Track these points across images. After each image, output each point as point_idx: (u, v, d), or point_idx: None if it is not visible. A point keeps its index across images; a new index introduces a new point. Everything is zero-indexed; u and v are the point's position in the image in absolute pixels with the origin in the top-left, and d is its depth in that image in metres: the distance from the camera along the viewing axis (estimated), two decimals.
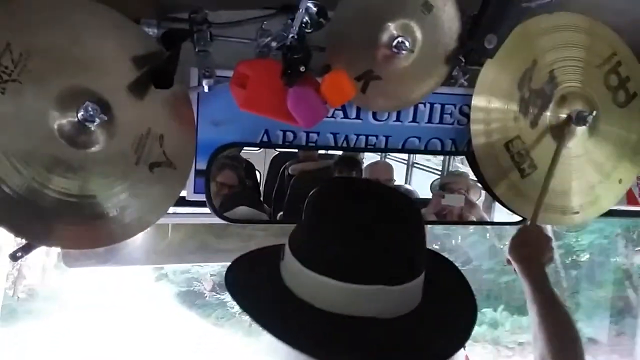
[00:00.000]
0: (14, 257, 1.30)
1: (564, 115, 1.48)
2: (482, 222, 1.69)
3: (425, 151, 1.50)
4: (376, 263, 0.80)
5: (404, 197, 0.91)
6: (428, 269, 0.87)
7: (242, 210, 1.53)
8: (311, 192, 0.92)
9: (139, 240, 1.77)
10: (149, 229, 1.32)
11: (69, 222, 1.19)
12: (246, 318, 0.82)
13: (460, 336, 0.85)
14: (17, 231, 1.17)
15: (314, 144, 1.44)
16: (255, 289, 0.88)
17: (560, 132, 1.47)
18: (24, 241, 1.29)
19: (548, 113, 1.48)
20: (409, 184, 2.16)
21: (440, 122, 1.47)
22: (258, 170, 2.39)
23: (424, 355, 0.81)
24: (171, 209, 1.43)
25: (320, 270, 0.80)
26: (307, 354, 0.78)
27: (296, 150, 2.16)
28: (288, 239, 0.88)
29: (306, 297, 0.82)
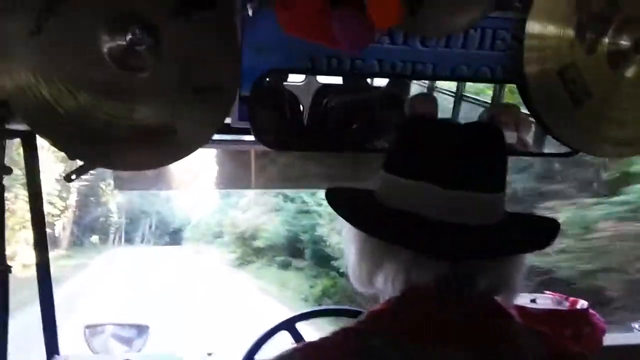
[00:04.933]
0: (68, 178, 1.36)
1: (623, 42, 1.40)
2: (531, 154, 1.65)
3: (474, 79, 1.45)
4: (468, 171, 0.86)
5: (491, 125, 1.00)
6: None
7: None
8: (402, 124, 0.99)
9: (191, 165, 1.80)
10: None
11: (119, 144, 1.23)
12: None
13: (534, 244, 0.90)
14: (70, 152, 1.22)
15: (359, 71, 1.41)
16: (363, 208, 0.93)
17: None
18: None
19: (606, 39, 1.40)
20: (457, 117, 2.11)
21: (492, 48, 1.41)
22: (301, 104, 2.38)
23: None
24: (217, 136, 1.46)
25: (417, 177, 0.86)
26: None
27: (340, 83, 2.15)
28: (382, 166, 0.93)
29: (405, 206, 0.87)
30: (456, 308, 0.84)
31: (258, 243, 12.21)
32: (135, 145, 1.25)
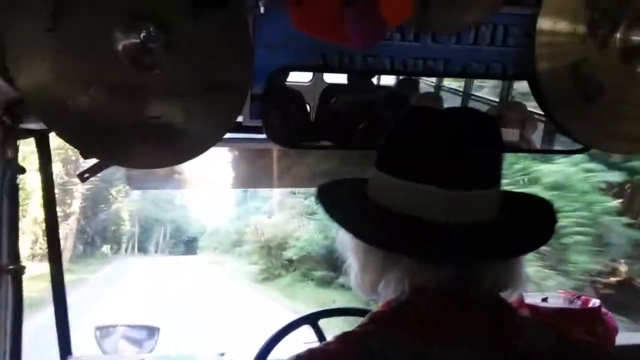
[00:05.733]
0: (81, 177, 1.37)
1: (635, 38, 1.39)
2: (541, 151, 1.65)
3: (486, 75, 1.45)
4: (466, 169, 0.84)
5: (484, 114, 0.97)
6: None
7: None
8: (396, 120, 0.95)
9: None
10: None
11: (132, 142, 1.23)
12: None
13: (538, 240, 0.90)
14: (84, 149, 1.23)
15: (370, 68, 1.41)
16: (353, 210, 0.92)
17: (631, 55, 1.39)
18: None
19: (618, 35, 1.39)
20: None
21: (503, 44, 1.41)
22: (308, 103, 2.39)
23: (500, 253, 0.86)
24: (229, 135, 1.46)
25: (418, 179, 0.85)
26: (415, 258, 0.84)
27: (345, 82, 2.15)
28: (375, 164, 0.92)
29: (405, 210, 0.86)
30: (459, 306, 0.84)
31: (288, 254, 9.84)
32: (148, 143, 1.25)
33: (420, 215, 0.84)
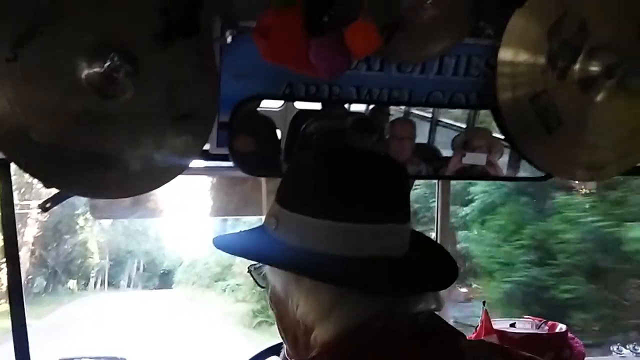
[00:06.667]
0: (43, 207, 1.34)
1: (594, 68, 1.44)
2: (505, 178, 1.67)
3: (449, 105, 1.48)
4: (384, 204, 0.85)
5: (389, 157, 0.97)
6: None
7: None
8: (304, 163, 0.92)
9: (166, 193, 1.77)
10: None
11: (96, 172, 1.21)
12: None
13: (453, 269, 0.92)
14: (46, 179, 1.20)
15: (336, 97, 1.42)
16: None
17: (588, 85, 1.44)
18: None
19: (577, 66, 1.44)
20: (432, 142, 2.13)
21: (466, 74, 1.44)
22: (279, 129, 2.38)
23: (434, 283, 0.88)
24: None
25: (338, 218, 0.83)
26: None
27: (318, 109, 2.17)
28: (280, 207, 0.88)
29: (323, 249, 0.84)
30: (407, 336, 0.83)
31: None
32: (112, 173, 1.23)
33: (348, 252, 0.83)
